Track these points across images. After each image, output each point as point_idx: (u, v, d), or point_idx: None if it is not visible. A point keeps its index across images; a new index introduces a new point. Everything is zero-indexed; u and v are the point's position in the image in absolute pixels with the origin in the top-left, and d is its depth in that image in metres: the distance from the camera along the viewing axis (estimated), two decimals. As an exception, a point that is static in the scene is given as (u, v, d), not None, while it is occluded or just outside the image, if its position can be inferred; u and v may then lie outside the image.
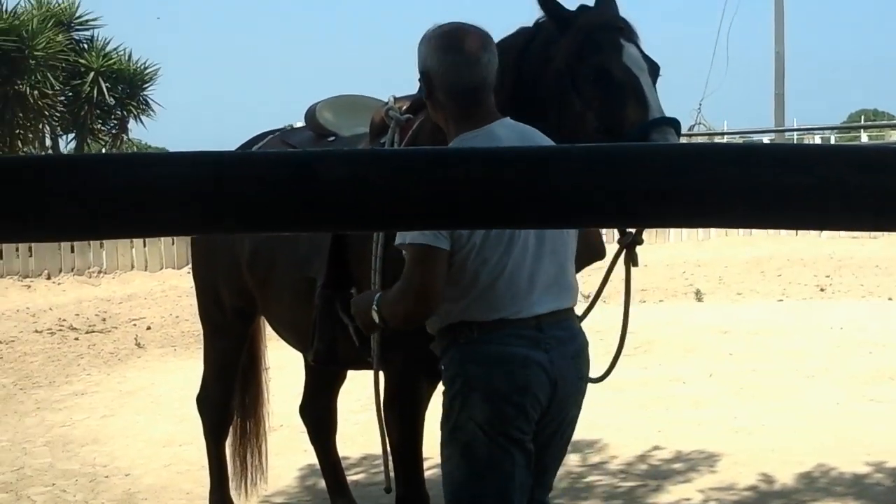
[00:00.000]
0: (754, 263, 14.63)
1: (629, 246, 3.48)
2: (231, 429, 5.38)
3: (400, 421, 3.92)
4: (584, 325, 3.96)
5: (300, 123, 4.98)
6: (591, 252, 3.59)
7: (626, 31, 3.44)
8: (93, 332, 11.94)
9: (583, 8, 3.50)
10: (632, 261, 3.50)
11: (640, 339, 9.56)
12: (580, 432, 6.75)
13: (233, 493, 5.38)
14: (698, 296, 12.46)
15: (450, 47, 3.16)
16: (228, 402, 5.25)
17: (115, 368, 9.97)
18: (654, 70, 3.41)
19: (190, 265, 16.35)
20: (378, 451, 6.01)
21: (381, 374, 3.96)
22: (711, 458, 6.34)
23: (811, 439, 6.60)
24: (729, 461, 6.27)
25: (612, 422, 7.14)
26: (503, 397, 3.11)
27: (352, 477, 5.86)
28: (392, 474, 4.03)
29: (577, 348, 3.24)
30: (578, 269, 3.47)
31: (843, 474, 5.99)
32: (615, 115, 3.26)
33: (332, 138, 4.49)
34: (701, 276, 14.11)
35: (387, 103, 4.14)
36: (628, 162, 1.07)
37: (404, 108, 4.06)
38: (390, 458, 4.00)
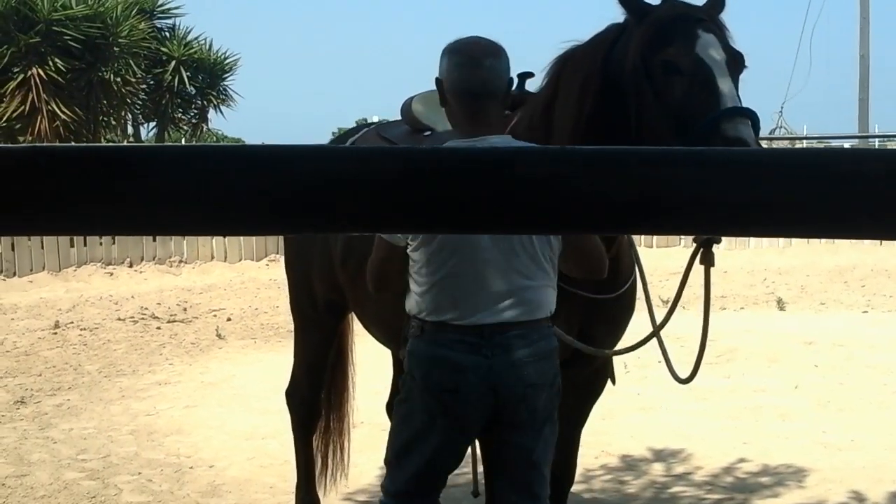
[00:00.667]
0: (837, 273, 14.37)
1: (705, 244, 3.41)
2: None
3: None
4: (665, 331, 3.94)
5: (377, 117, 4.97)
6: (586, 265, 3.51)
7: (706, 22, 3.31)
8: (174, 321, 12.08)
9: (667, 2, 3.41)
10: (708, 261, 3.42)
11: (722, 348, 9.45)
12: (664, 440, 6.83)
13: (315, 489, 5.38)
14: (780, 304, 12.27)
15: (456, 51, 3.30)
16: (317, 398, 5.26)
17: (196, 359, 10.07)
18: (735, 60, 3.27)
19: (268, 257, 16.48)
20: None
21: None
22: (800, 474, 6.23)
23: (903, 458, 6.46)
24: (818, 477, 6.16)
25: (697, 431, 7.06)
26: (436, 396, 3.35)
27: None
28: (480, 478, 4.02)
29: (527, 357, 3.31)
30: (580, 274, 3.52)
31: (938, 495, 5.85)
32: (686, 107, 3.17)
33: (428, 133, 4.47)
34: (782, 285, 13.90)
35: None
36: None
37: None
38: (479, 461, 4.00)
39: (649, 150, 1.12)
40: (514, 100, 4.02)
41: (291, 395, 5.28)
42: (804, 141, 31.94)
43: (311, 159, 1.06)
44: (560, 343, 3.63)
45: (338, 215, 1.05)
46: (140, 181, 1.01)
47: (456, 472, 6.09)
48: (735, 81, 3.25)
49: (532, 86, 4.09)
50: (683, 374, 3.90)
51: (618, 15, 3.51)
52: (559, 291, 3.54)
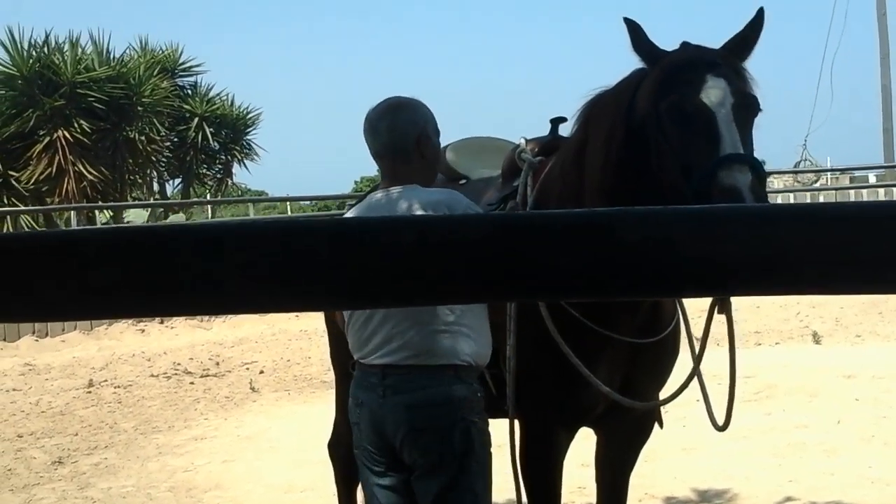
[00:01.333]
0: (871, 304, 14.22)
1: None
2: None
3: (535, 473, 3.92)
4: (703, 368, 3.88)
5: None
6: None
7: (719, 67, 3.26)
8: (207, 375, 12.07)
9: (684, 45, 3.38)
10: (726, 309, 3.34)
11: (760, 384, 9.36)
12: (708, 481, 6.74)
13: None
14: (816, 338, 12.15)
15: (365, 118, 3.58)
16: None
17: (231, 413, 10.05)
18: (746, 105, 3.21)
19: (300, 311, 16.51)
20: (501, 498, 5.99)
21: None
22: (849, 510, 6.13)
23: (952, 491, 6.35)
24: (867, 513, 6.06)
25: (740, 471, 6.97)
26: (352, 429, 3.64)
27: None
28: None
29: (418, 402, 3.41)
30: None
31: None
32: (689, 153, 3.13)
33: (463, 181, 4.46)
34: (816, 318, 13.77)
35: (518, 146, 4.12)
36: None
37: (536, 150, 4.05)
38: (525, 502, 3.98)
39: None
40: (546, 145, 4.04)
41: (334, 446, 5.22)
42: (829, 173, 31.83)
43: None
44: (605, 381, 3.61)
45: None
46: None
47: (505, 502, 6.10)
48: (744, 126, 3.17)
49: (564, 130, 4.09)
50: (720, 412, 3.84)
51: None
52: (600, 337, 3.53)
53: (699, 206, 2.65)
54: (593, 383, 3.58)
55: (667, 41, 3.41)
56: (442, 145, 4.62)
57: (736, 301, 12.60)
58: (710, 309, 3.44)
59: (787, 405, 8.81)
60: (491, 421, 4.44)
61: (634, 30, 3.37)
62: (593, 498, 4.62)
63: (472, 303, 3.20)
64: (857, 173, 31.52)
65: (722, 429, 3.83)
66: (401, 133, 3.48)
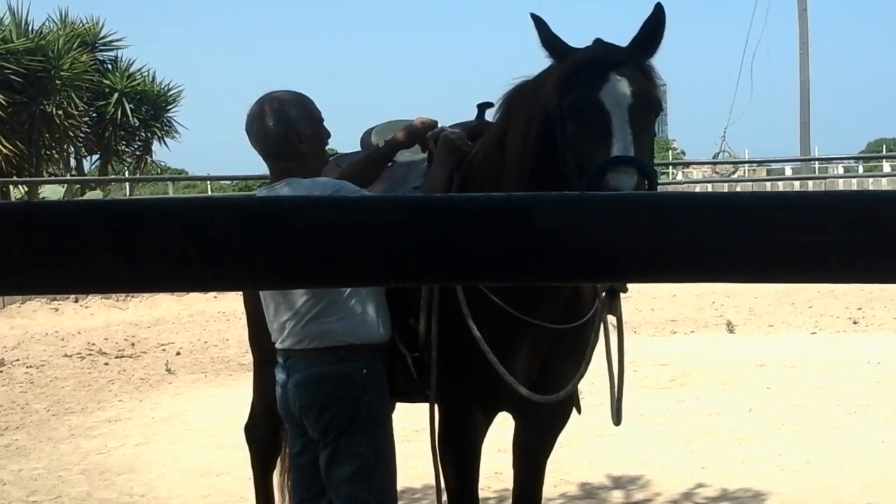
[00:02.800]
0: (784, 294, 14.50)
1: (608, 293, 3.39)
2: None
3: (454, 457, 3.96)
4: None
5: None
6: None
7: (624, 66, 3.28)
8: (122, 356, 11.92)
9: (595, 42, 3.41)
10: (616, 311, 3.41)
11: (675, 372, 9.50)
12: (623, 467, 6.82)
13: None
14: (730, 327, 12.36)
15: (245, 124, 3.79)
16: (277, 433, 5.17)
17: (146, 395, 9.93)
18: (646, 103, 3.24)
19: (217, 291, 16.33)
20: (418, 483, 6.01)
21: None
22: (758, 497, 6.25)
23: (859, 479, 6.50)
24: (776, 500, 6.19)
25: (655, 457, 7.07)
26: None
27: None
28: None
29: (303, 380, 3.72)
30: None
31: (894, 515, 5.89)
32: (583, 153, 3.17)
33: (388, 164, 4.46)
34: (731, 307, 14.00)
35: (443, 129, 4.15)
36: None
37: (463, 135, 4.07)
38: (443, 490, 4.01)
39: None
40: (473, 130, 4.06)
41: (251, 430, 5.18)
42: (746, 164, 32.35)
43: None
44: (522, 371, 3.68)
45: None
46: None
47: (431, 491, 6.12)
48: (641, 128, 3.20)
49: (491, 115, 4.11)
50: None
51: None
52: (520, 323, 3.57)
53: (612, 193, 2.68)
54: (506, 379, 3.63)
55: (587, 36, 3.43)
56: (366, 129, 4.65)
57: (653, 290, 12.87)
58: (600, 309, 3.51)
59: (701, 393, 8.95)
60: (412, 406, 4.47)
61: (541, 26, 3.40)
62: (509, 483, 4.65)
63: (386, 284, 3.33)
64: (773, 165, 32.08)
65: (616, 424, 3.94)
66: (271, 136, 3.70)
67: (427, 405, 4.00)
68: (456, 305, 3.70)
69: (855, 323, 12.85)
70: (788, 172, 30.81)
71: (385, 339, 3.77)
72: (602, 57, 3.31)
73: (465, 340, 3.69)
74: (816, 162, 32.73)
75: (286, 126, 3.69)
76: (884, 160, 38.69)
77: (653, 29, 3.39)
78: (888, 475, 6.55)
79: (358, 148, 4.64)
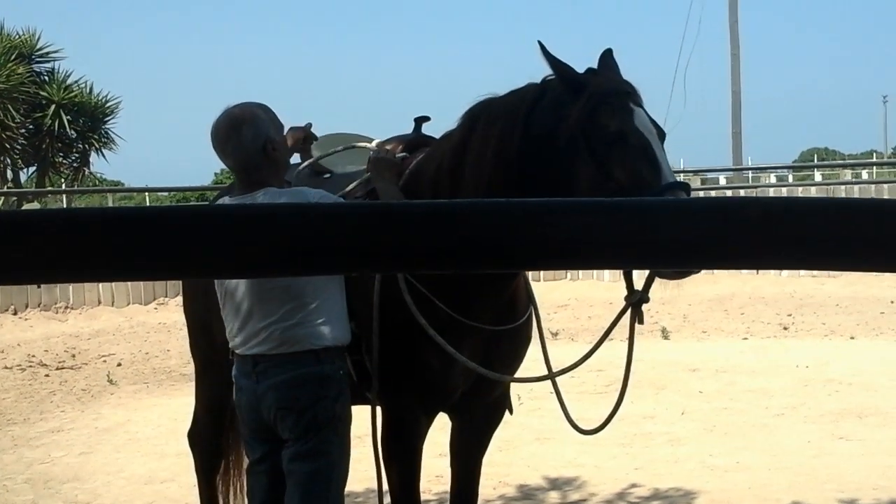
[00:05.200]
0: (717, 302, 14.83)
1: (635, 305, 3.62)
2: None
3: (397, 458, 4.12)
4: (588, 364, 4.18)
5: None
6: None
7: (633, 96, 3.59)
8: (63, 368, 11.92)
9: (591, 71, 3.64)
10: (638, 319, 3.65)
11: (610, 377, 9.69)
12: (559, 469, 7.03)
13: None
14: (664, 333, 12.63)
15: (211, 136, 3.84)
16: (220, 438, 5.28)
17: (88, 405, 9.96)
18: (661, 134, 3.56)
19: (156, 301, 16.26)
20: (360, 486, 6.14)
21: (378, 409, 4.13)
22: (689, 496, 6.48)
23: (785, 477, 6.76)
24: (706, 499, 6.42)
25: (590, 459, 7.28)
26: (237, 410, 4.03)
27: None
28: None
29: (284, 382, 3.79)
30: None
31: (818, 512, 6.14)
32: (631, 177, 3.39)
33: (327, 175, 4.61)
34: (665, 314, 14.26)
35: (376, 142, 4.34)
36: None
37: (399, 148, 4.24)
38: (385, 492, 4.17)
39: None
40: (411, 143, 4.24)
41: (193, 436, 5.29)
42: (681, 174, 32.83)
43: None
44: (463, 374, 3.86)
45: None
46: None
47: (372, 494, 6.27)
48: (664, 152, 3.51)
49: (429, 129, 4.29)
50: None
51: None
52: (462, 326, 3.76)
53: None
54: (459, 359, 3.82)
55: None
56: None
57: (590, 298, 13.03)
58: (618, 314, 3.77)
59: (636, 397, 9.13)
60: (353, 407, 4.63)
61: (548, 53, 3.61)
62: (448, 486, 4.83)
63: (345, 273, 3.48)
64: (707, 175, 32.59)
65: (592, 432, 4.27)
66: (248, 149, 3.76)
67: (366, 408, 4.16)
68: (399, 308, 3.87)
69: (785, 329, 13.19)
70: (722, 182, 31.35)
71: (349, 341, 3.91)
72: (619, 88, 3.59)
73: (410, 340, 3.88)
74: (749, 171, 33.35)
75: (262, 137, 3.77)
76: (815, 169, 39.53)
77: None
78: (813, 473, 6.82)
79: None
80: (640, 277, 3.54)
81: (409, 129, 4.45)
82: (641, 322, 3.71)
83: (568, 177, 3.49)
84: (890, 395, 8.99)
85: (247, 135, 3.77)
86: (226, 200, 4.03)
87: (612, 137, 3.44)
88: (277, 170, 3.87)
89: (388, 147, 4.24)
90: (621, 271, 3.82)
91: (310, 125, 4.48)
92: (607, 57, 3.73)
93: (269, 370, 3.81)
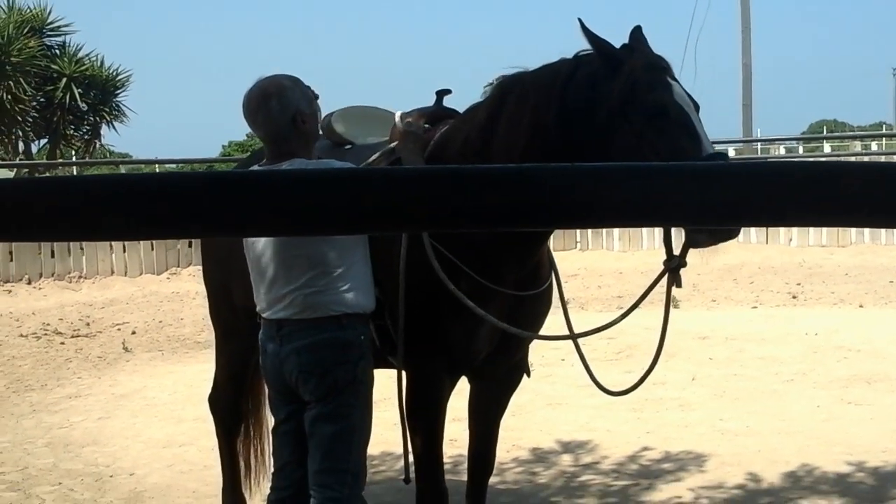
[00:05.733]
0: (726, 271, 14.89)
1: (674, 269, 3.71)
2: None
3: (422, 420, 4.21)
4: (580, 330, 4.29)
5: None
6: None
7: (669, 70, 3.69)
8: (78, 336, 12.04)
9: (626, 47, 3.71)
10: (675, 282, 3.74)
11: (622, 345, 9.81)
12: (572, 433, 7.13)
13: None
14: (674, 302, 12.64)
15: (243, 107, 3.92)
16: (240, 403, 5.38)
17: (104, 372, 10.08)
18: (696, 106, 3.64)
19: (168, 271, 16.37)
20: (376, 450, 6.23)
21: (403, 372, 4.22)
22: (700, 459, 6.57)
23: (795, 441, 6.85)
24: (717, 461, 6.51)
25: (602, 424, 7.37)
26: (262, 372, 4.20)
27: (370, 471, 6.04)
28: (412, 467, 4.29)
29: (301, 348, 3.89)
30: None
31: (827, 474, 6.23)
32: (672, 149, 3.47)
33: (349, 146, 4.68)
34: (675, 284, 14.36)
35: (403, 114, 4.40)
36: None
37: (423, 120, 4.31)
38: (410, 451, 4.26)
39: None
40: (433, 115, 4.32)
41: (214, 401, 5.38)
42: (691, 146, 32.76)
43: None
44: (488, 337, 3.95)
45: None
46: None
47: (389, 457, 6.38)
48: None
49: (450, 101, 4.36)
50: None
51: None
52: (488, 291, 3.92)
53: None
54: (487, 319, 3.91)
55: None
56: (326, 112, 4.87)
57: (600, 268, 13.16)
58: (656, 278, 3.90)
59: (646, 364, 9.10)
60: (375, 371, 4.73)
61: (587, 29, 3.69)
62: (463, 450, 4.93)
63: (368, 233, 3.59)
64: (717, 146, 32.50)
65: (621, 393, 4.57)
66: (278, 120, 3.84)
67: (386, 373, 4.25)
68: (425, 274, 3.95)
69: (794, 297, 13.27)
70: (731, 153, 31.33)
71: (373, 307, 3.98)
72: (657, 63, 3.68)
73: (437, 303, 3.96)
74: (759, 143, 33.27)
75: (293, 109, 3.84)
76: (824, 141, 39.44)
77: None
78: (823, 437, 6.91)
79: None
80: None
81: (430, 101, 4.52)
82: (679, 286, 3.82)
83: (607, 149, 3.56)
84: (898, 362, 9.07)
85: (276, 106, 3.84)
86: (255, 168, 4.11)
87: (652, 111, 3.52)
88: (307, 142, 3.93)
89: (409, 119, 4.31)
90: (661, 238, 3.92)
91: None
92: (637, 33, 3.80)
93: (292, 334, 3.90)
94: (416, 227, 2.13)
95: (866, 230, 16.47)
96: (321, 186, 1.43)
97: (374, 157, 4.32)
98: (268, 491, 5.88)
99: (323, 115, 4.73)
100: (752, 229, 16.49)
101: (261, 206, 1.42)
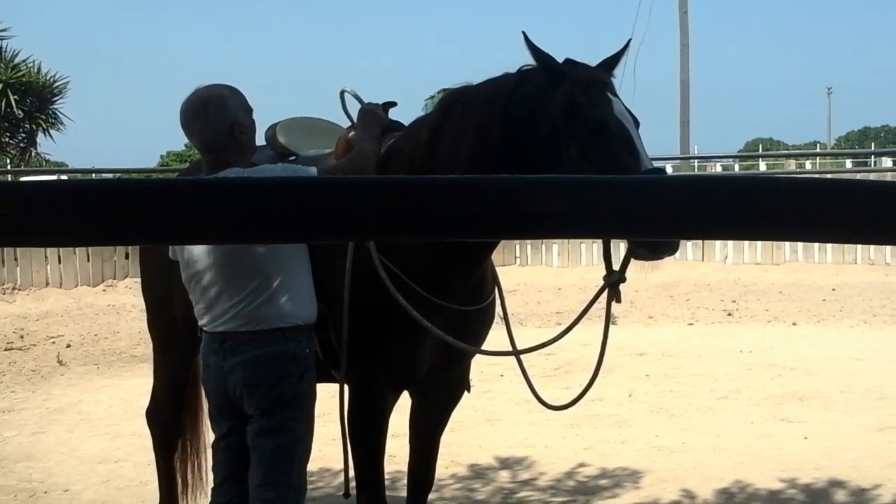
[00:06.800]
0: (663, 288, 15.04)
1: (613, 284, 3.75)
2: None
3: (365, 434, 4.21)
4: (522, 345, 4.33)
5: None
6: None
7: (610, 85, 3.72)
8: (12, 349, 11.86)
9: (569, 62, 3.74)
10: (615, 297, 3.78)
11: (559, 361, 9.88)
12: (510, 449, 7.17)
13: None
14: (612, 319, 12.75)
15: (180, 116, 3.91)
16: (178, 416, 5.33)
17: (38, 386, 9.95)
18: (636, 122, 3.67)
19: (105, 283, 16.12)
20: (313, 466, 6.22)
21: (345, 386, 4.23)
22: (636, 475, 6.64)
23: (728, 457, 6.95)
24: (652, 478, 6.58)
25: (540, 440, 7.43)
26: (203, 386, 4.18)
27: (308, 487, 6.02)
28: (352, 482, 4.31)
29: (251, 359, 3.87)
30: None
31: (760, 490, 6.33)
32: (612, 164, 3.50)
33: (293, 157, 4.68)
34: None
35: (348, 128, 4.41)
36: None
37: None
38: (351, 466, 4.27)
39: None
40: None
41: (152, 414, 5.33)
42: (629, 162, 33.04)
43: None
44: (431, 351, 4.03)
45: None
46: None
47: (327, 473, 6.36)
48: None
49: (395, 114, 4.37)
50: (523, 382, 4.37)
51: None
52: (432, 305, 3.94)
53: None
54: (433, 332, 3.94)
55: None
56: (270, 122, 4.86)
57: (539, 283, 13.21)
58: (596, 294, 3.92)
59: (584, 380, 9.10)
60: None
61: (531, 43, 3.72)
62: (402, 465, 4.95)
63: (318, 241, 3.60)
64: (655, 163, 32.84)
65: (561, 408, 4.59)
66: (215, 130, 3.84)
67: (325, 388, 4.25)
68: (370, 288, 3.96)
69: (729, 315, 13.45)
70: (669, 170, 31.67)
71: (315, 318, 3.98)
72: (599, 77, 3.70)
73: (381, 317, 3.98)
74: (696, 160, 33.68)
75: (230, 119, 3.84)
76: (759, 159, 40.03)
77: (618, 57, 3.85)
78: (756, 454, 7.02)
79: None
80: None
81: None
82: (619, 301, 3.84)
83: (549, 163, 3.58)
84: (830, 380, 9.24)
85: (214, 116, 3.83)
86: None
87: (593, 126, 3.54)
88: (244, 152, 3.93)
89: (352, 133, 4.31)
90: (600, 255, 3.96)
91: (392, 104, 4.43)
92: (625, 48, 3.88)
93: (236, 347, 3.88)
94: (357, 235, 2.15)
95: (800, 248, 16.73)
96: (260, 194, 1.45)
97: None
98: (205, 507, 5.89)
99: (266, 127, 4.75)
100: (689, 246, 16.71)
101: (198, 213, 1.43)
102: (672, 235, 1.69)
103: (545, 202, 1.45)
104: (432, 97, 4.84)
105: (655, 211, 1.46)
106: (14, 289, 15.35)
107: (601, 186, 1.52)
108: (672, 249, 3.63)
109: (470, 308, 4.14)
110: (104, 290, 15.80)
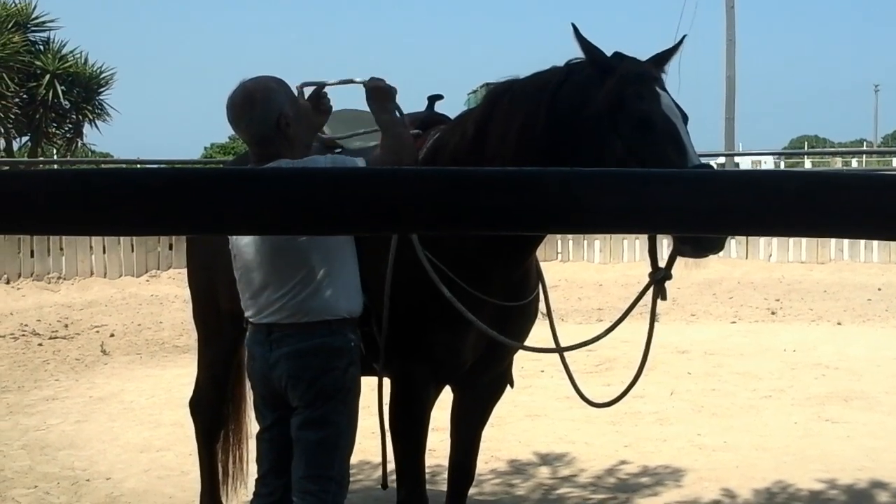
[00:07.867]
0: (706, 285, 14.94)
1: (659, 282, 3.72)
2: None
3: (406, 428, 4.21)
4: (565, 341, 4.31)
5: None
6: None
7: (659, 80, 3.68)
8: (56, 337, 11.98)
9: (618, 55, 3.72)
10: (660, 295, 3.75)
11: (601, 357, 9.84)
12: (550, 445, 7.14)
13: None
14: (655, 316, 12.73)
15: (226, 110, 3.90)
16: (221, 407, 5.36)
17: (82, 375, 10.04)
18: (685, 117, 3.64)
19: (148, 273, 16.27)
20: (353, 459, 6.24)
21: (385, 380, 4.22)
22: (677, 474, 6.60)
23: (771, 457, 6.89)
24: (694, 476, 6.53)
25: (581, 436, 7.40)
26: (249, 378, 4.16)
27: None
28: (391, 475, 4.31)
29: (291, 353, 3.87)
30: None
31: (801, 490, 6.27)
32: (658, 160, 3.47)
33: (338, 150, 4.68)
34: (655, 297, 14.41)
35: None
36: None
37: (414, 125, 4.32)
38: (390, 456, 4.27)
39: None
40: (424, 120, 4.32)
41: (195, 404, 5.36)
42: (673, 159, 32.87)
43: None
44: (474, 346, 4.00)
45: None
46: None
47: (366, 466, 6.37)
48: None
49: (441, 107, 4.37)
50: (564, 378, 4.35)
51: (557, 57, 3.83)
52: (475, 300, 3.92)
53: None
54: (477, 325, 3.91)
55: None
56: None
57: (581, 280, 13.21)
58: (642, 291, 3.93)
59: (625, 377, 9.15)
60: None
61: (580, 35, 3.69)
62: (442, 460, 4.94)
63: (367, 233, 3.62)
64: (701, 160, 32.65)
65: (606, 405, 4.60)
66: (261, 123, 3.81)
67: (363, 381, 4.25)
68: (413, 282, 3.96)
69: (773, 313, 13.33)
70: (714, 166, 31.44)
71: (361, 311, 3.97)
72: (647, 72, 3.67)
73: (426, 310, 3.98)
74: (741, 157, 33.44)
75: (276, 112, 3.80)
76: (805, 157, 39.74)
77: (671, 53, 3.83)
78: (799, 454, 6.95)
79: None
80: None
81: (421, 107, 4.53)
82: (664, 298, 3.82)
83: (594, 157, 3.56)
84: (875, 380, 9.13)
85: (260, 109, 3.81)
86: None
87: (640, 120, 3.51)
88: (291, 144, 3.89)
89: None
90: (642, 251, 3.94)
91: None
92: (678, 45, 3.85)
93: (282, 339, 3.88)
94: (408, 228, 2.13)
95: (845, 247, 16.55)
96: (312, 185, 1.44)
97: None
98: (244, 498, 5.91)
99: None
100: (733, 243, 16.56)
101: (258, 202, 1.43)
102: (724, 232, 1.66)
103: (600, 195, 1.42)
104: (474, 91, 4.84)
105: (709, 206, 1.44)
106: (59, 278, 15.49)
107: (661, 179, 1.50)
108: (718, 247, 3.58)
109: (513, 304, 4.12)
110: (147, 281, 15.92)
